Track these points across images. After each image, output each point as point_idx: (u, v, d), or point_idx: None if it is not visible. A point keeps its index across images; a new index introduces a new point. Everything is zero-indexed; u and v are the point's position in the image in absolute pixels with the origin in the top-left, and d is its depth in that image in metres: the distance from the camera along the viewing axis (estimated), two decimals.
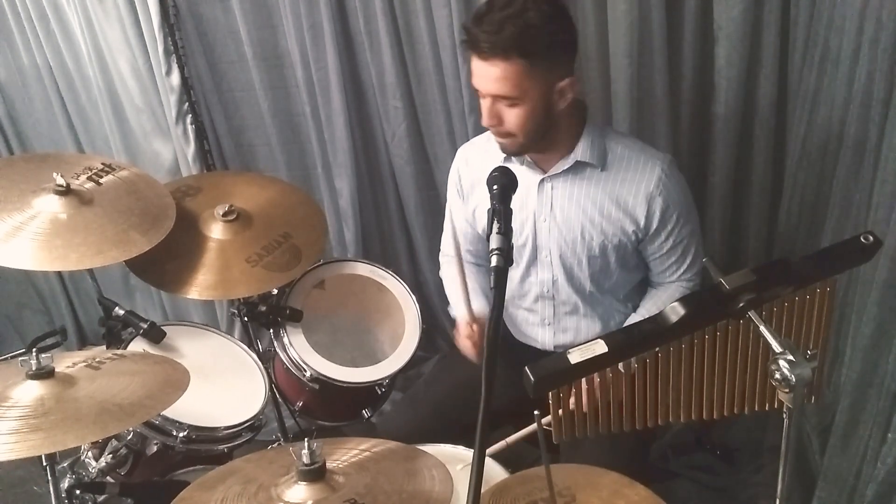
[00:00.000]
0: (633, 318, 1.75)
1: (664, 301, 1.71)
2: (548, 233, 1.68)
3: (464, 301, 1.69)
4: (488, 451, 1.54)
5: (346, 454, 1.32)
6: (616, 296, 1.77)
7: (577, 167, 1.64)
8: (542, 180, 1.66)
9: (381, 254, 2.71)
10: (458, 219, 1.84)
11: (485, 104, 1.54)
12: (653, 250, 1.69)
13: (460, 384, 1.73)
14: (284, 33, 2.43)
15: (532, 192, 1.67)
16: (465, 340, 1.72)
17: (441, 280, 1.97)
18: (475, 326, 1.70)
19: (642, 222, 1.64)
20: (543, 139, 1.59)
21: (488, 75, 1.49)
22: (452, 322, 1.85)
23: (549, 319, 1.78)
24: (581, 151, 1.62)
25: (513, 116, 1.53)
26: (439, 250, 1.99)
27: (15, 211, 1.62)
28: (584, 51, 2.02)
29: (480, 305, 1.76)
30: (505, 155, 1.66)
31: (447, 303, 1.93)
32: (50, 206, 1.64)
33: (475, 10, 1.54)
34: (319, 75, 2.41)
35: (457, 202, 1.84)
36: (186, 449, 1.71)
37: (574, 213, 1.65)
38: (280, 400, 2.03)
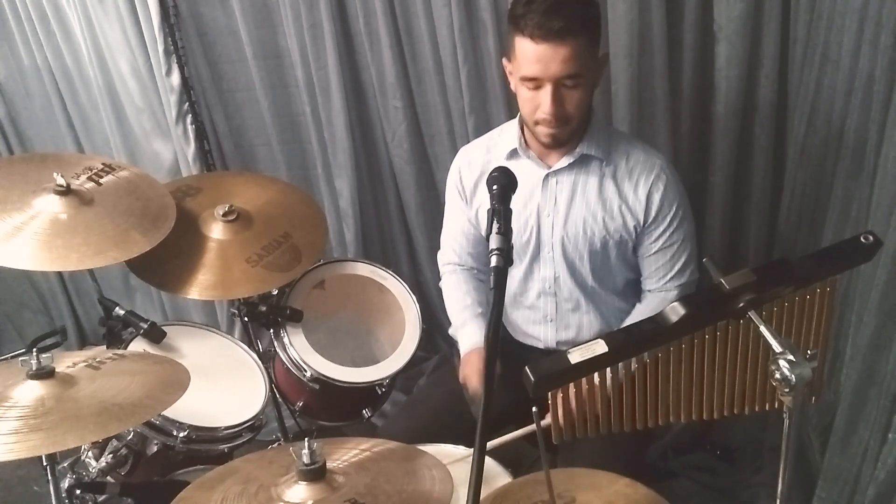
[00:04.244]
0: None
1: (650, 314, 1.69)
2: (551, 228, 1.68)
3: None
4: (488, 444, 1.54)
5: (346, 454, 1.32)
6: (617, 291, 1.77)
7: (582, 161, 1.64)
8: (547, 175, 1.65)
9: (381, 254, 2.70)
10: (460, 221, 1.84)
11: (547, 92, 1.49)
12: (644, 249, 1.69)
13: (459, 390, 1.71)
14: (284, 33, 2.43)
15: (537, 188, 1.66)
16: (474, 378, 1.67)
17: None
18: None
19: (641, 216, 1.64)
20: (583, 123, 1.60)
21: (556, 57, 1.44)
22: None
23: (552, 316, 1.77)
24: (587, 145, 1.62)
25: (574, 98, 1.51)
26: (439, 251, 1.96)
27: (15, 211, 1.61)
28: None
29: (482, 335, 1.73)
30: (509, 151, 1.66)
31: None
32: (50, 206, 1.64)
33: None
34: (319, 75, 2.41)
35: (459, 204, 1.82)
36: (187, 449, 1.71)
37: (577, 207, 1.65)
38: (280, 400, 2.03)
